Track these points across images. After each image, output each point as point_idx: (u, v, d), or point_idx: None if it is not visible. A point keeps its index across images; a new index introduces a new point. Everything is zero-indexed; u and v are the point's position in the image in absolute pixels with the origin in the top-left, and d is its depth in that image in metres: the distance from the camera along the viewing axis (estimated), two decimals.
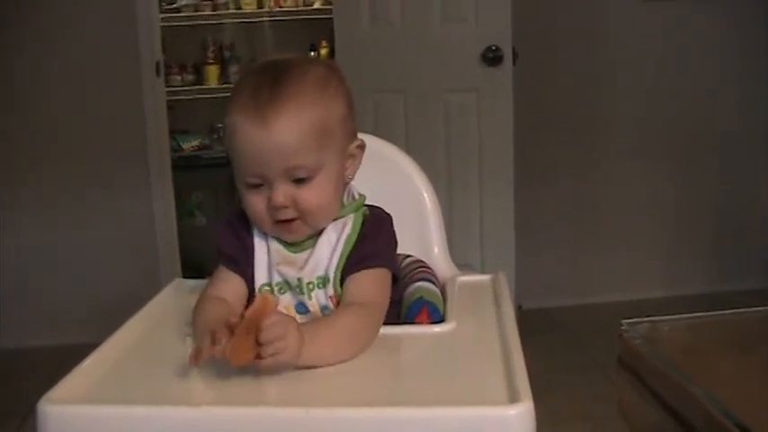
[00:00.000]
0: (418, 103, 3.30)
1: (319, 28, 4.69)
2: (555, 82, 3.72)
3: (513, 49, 3.17)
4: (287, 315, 1.02)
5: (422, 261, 1.37)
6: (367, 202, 1.20)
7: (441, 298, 1.28)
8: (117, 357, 1.06)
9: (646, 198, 3.88)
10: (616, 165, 3.82)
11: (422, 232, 1.46)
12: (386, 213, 1.19)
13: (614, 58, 3.74)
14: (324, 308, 1.14)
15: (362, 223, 1.16)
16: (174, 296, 1.33)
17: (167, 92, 3.92)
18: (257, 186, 1.11)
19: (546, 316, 3.67)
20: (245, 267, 1.16)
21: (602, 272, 3.88)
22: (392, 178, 1.46)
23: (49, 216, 3.56)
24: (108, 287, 3.55)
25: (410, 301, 1.25)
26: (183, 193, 4.44)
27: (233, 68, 4.90)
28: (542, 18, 3.63)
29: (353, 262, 1.13)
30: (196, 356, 0.96)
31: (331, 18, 3.50)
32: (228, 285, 1.16)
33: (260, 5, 4.94)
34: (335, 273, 1.13)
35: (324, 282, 1.14)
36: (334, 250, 1.14)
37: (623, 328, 1.17)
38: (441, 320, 1.20)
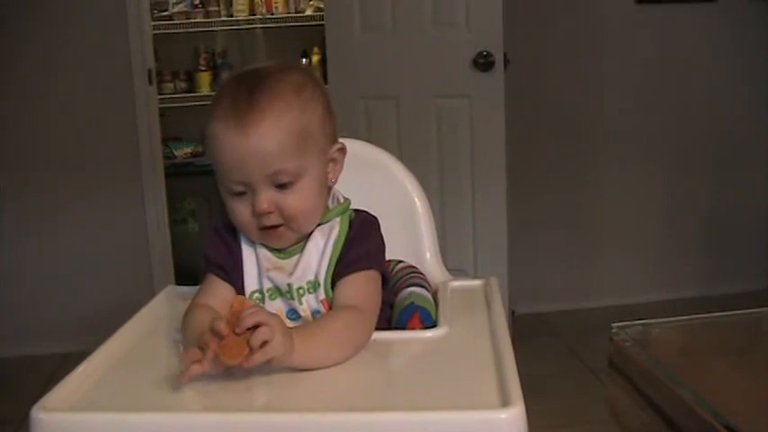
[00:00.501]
0: (410, 110, 3.30)
1: (311, 35, 4.70)
2: (547, 87, 3.73)
3: (505, 54, 3.18)
4: (269, 311, 1.03)
5: (414, 266, 1.38)
6: (359, 208, 1.21)
7: (433, 303, 1.28)
8: (110, 364, 1.06)
9: (638, 203, 3.89)
10: (608, 169, 3.83)
11: (414, 238, 1.46)
12: (372, 216, 1.20)
13: (607, 62, 3.75)
14: (315, 312, 1.15)
15: (349, 226, 1.17)
16: (167, 303, 1.33)
17: (160, 99, 3.93)
18: (241, 194, 1.12)
19: (539, 321, 3.68)
20: (233, 275, 1.17)
21: (594, 276, 3.89)
22: (384, 184, 1.47)
23: (41, 224, 3.55)
24: (101, 294, 3.55)
25: (402, 307, 1.26)
26: (176, 201, 4.44)
27: (225, 75, 4.89)
28: (534, 23, 3.65)
29: (343, 265, 1.14)
30: (186, 374, 0.96)
31: (323, 25, 3.51)
32: (217, 293, 1.16)
33: (252, 12, 4.94)
34: (326, 277, 1.14)
35: (314, 286, 1.15)
36: (322, 254, 1.15)
37: (613, 331, 1.17)
38: (433, 325, 1.20)
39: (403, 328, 1.22)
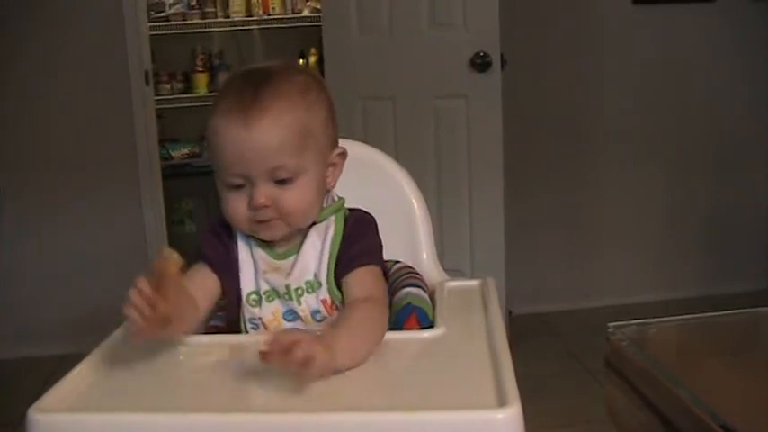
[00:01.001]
0: (407, 110, 3.30)
1: (308, 35, 4.70)
2: (544, 88, 3.73)
3: (502, 55, 3.18)
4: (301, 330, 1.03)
5: (411, 267, 1.38)
6: (355, 207, 1.22)
7: (430, 303, 1.28)
8: (106, 365, 1.06)
9: (638, 203, 3.89)
10: (607, 169, 3.83)
11: (411, 238, 1.47)
12: (368, 214, 1.21)
13: (604, 63, 3.76)
14: (314, 312, 1.15)
15: (345, 224, 1.18)
16: None
17: (157, 100, 3.92)
18: (239, 187, 1.13)
19: (538, 321, 3.68)
20: (225, 274, 1.17)
21: (594, 277, 3.89)
22: (381, 185, 1.47)
23: (38, 225, 3.55)
24: (99, 295, 3.54)
25: (399, 307, 1.26)
26: (173, 202, 4.44)
27: (222, 76, 4.90)
28: (531, 24, 3.65)
29: (344, 263, 1.15)
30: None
31: (320, 25, 3.51)
32: (200, 279, 1.16)
33: (249, 13, 4.94)
34: (328, 276, 1.15)
35: (313, 286, 1.15)
36: (321, 254, 1.16)
37: (610, 330, 1.17)
38: (430, 326, 1.20)
39: (400, 328, 1.22)
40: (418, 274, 1.36)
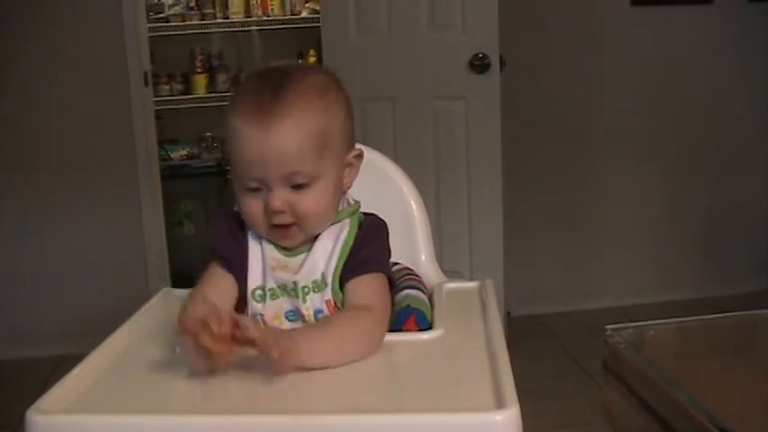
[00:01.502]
0: (406, 111, 3.31)
1: (307, 37, 4.70)
2: (543, 89, 3.73)
3: (501, 56, 3.19)
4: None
5: (410, 269, 1.38)
6: (370, 212, 1.22)
7: (428, 305, 1.28)
8: (105, 367, 1.06)
9: (637, 203, 3.89)
10: (605, 170, 3.84)
11: (409, 240, 1.47)
12: (382, 221, 1.21)
13: (603, 64, 3.76)
14: (318, 311, 1.15)
15: (359, 228, 1.18)
16: (162, 305, 1.33)
17: (156, 101, 3.92)
18: (255, 190, 1.12)
19: (535, 322, 3.68)
20: (238, 268, 1.17)
21: (591, 278, 3.89)
22: (380, 186, 1.47)
23: (38, 225, 3.55)
24: (96, 297, 3.54)
25: (398, 309, 1.26)
26: (172, 203, 4.44)
27: (221, 77, 4.91)
28: (530, 25, 3.65)
29: (351, 267, 1.15)
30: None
31: (319, 27, 3.52)
32: (220, 285, 1.16)
33: (248, 14, 4.94)
34: (334, 277, 1.15)
35: (319, 286, 1.15)
36: (331, 255, 1.15)
37: (608, 333, 1.18)
38: (428, 328, 1.20)
39: (399, 330, 1.22)
40: (417, 275, 1.37)
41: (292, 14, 4.95)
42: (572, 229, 3.87)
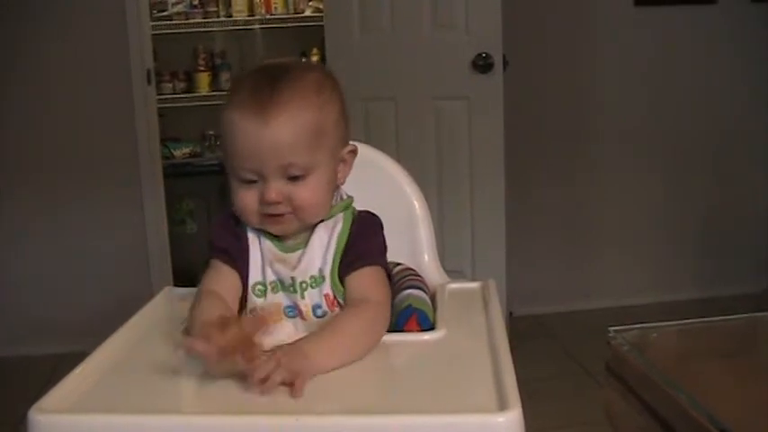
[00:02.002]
0: (409, 111, 3.30)
1: (310, 35, 4.70)
2: (545, 89, 3.73)
3: (504, 56, 3.18)
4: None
5: (412, 269, 1.38)
6: (363, 209, 1.23)
7: (430, 305, 1.29)
8: (107, 366, 1.06)
9: (637, 203, 3.89)
10: (606, 171, 3.83)
11: (412, 240, 1.47)
12: (375, 216, 1.22)
13: (605, 64, 3.76)
14: (316, 306, 1.16)
15: (352, 222, 1.19)
16: (165, 304, 1.33)
17: (158, 99, 3.92)
18: (250, 182, 1.14)
19: (536, 323, 3.68)
20: (239, 261, 1.18)
21: (592, 278, 3.89)
22: (382, 186, 1.47)
23: (39, 224, 3.55)
24: (99, 295, 3.54)
25: (400, 309, 1.26)
26: (175, 201, 4.44)
27: (224, 76, 4.90)
28: (533, 25, 3.65)
29: (348, 261, 1.16)
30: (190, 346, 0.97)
31: (322, 26, 3.51)
32: (224, 279, 1.17)
33: (251, 13, 4.94)
34: (332, 271, 1.16)
35: (317, 281, 1.16)
36: (326, 250, 1.17)
37: (611, 335, 1.18)
38: (430, 328, 1.20)
39: (400, 330, 1.22)
40: (419, 276, 1.37)
41: (295, 13, 4.94)
42: (572, 228, 3.86)
